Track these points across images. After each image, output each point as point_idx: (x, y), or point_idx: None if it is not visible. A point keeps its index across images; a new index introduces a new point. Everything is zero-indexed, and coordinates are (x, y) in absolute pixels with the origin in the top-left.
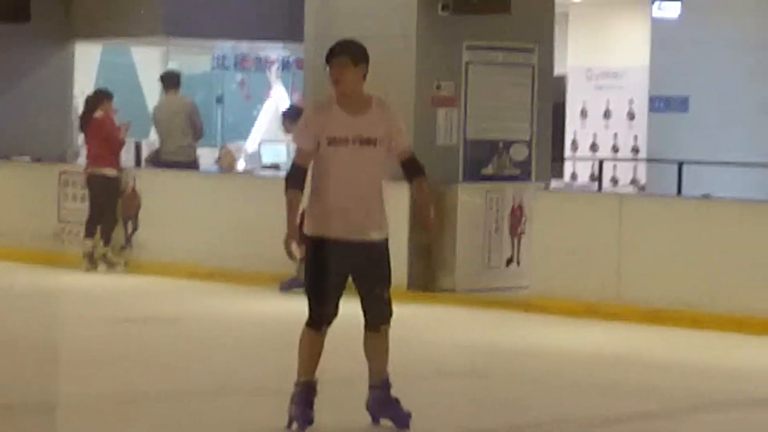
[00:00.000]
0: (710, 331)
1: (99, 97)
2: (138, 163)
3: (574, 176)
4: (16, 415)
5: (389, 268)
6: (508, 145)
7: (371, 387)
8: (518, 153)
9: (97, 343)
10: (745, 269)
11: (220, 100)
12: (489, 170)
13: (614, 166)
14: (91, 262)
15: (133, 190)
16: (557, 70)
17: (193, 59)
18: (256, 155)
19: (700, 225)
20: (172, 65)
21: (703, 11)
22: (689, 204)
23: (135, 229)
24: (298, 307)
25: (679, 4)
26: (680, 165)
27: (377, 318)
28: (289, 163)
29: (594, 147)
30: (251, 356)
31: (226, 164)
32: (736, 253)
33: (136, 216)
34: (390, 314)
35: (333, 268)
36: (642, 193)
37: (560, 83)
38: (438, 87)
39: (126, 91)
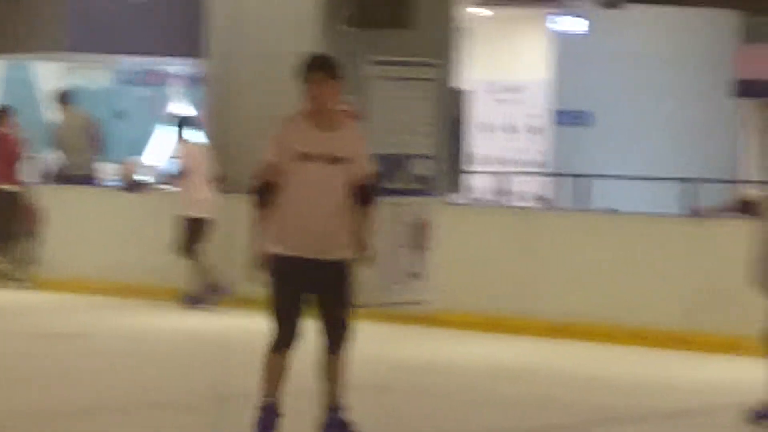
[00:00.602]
0: (613, 344)
1: None
2: (40, 178)
3: (476, 190)
4: None
5: (351, 290)
6: (410, 159)
7: (325, 409)
8: (421, 167)
9: (5, 359)
10: (649, 283)
11: (120, 115)
12: (392, 184)
13: (517, 181)
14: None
15: (32, 205)
16: (459, 85)
17: (95, 74)
18: (155, 169)
19: (604, 239)
20: (73, 80)
21: (605, 27)
22: (593, 218)
23: (36, 245)
24: (200, 321)
25: (580, 19)
26: (585, 179)
27: (335, 340)
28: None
29: (496, 161)
30: (160, 371)
31: (127, 180)
32: (640, 267)
33: (35, 231)
34: (349, 336)
35: (296, 288)
36: (546, 207)
37: (462, 97)
38: (341, 102)
39: (26, 107)
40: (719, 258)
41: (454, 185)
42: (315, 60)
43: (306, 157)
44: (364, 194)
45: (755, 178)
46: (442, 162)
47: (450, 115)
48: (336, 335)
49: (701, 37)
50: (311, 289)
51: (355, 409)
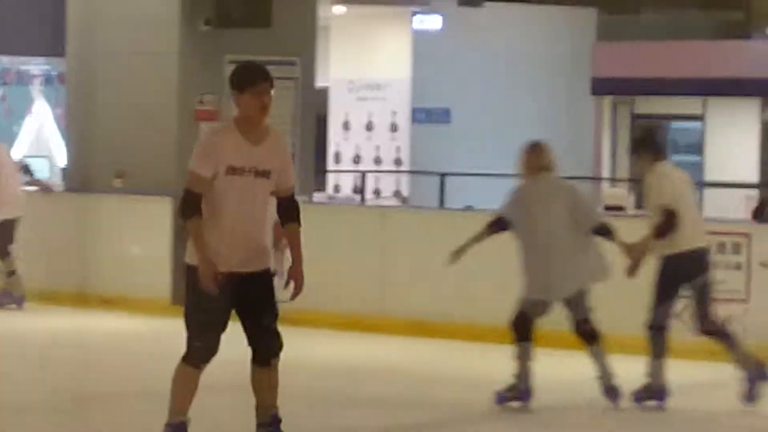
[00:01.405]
0: (472, 341)
1: None
2: None
3: (337, 188)
4: None
5: (273, 297)
6: None
7: (260, 425)
8: None
9: None
10: (508, 281)
11: None
12: None
13: (377, 178)
14: None
15: None
16: (320, 83)
17: None
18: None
19: (462, 236)
20: None
21: (463, 24)
22: (451, 216)
23: None
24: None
25: (439, 17)
26: (442, 177)
27: (268, 351)
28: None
29: (357, 159)
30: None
31: None
32: (497, 264)
33: None
34: (280, 347)
35: (218, 301)
36: (404, 205)
37: (323, 96)
38: (201, 101)
39: None
40: None
41: (314, 183)
42: (262, 70)
43: (235, 170)
44: (290, 209)
45: (613, 175)
46: (303, 160)
47: (311, 113)
48: (267, 346)
49: (559, 34)
50: (235, 303)
51: (215, 410)
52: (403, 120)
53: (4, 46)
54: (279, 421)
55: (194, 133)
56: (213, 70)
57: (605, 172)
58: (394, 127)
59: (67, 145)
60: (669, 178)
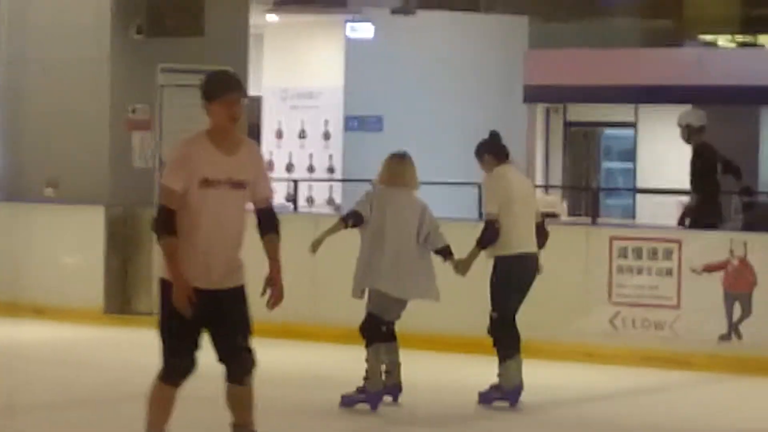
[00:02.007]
0: (405, 349)
1: None
2: None
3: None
4: None
5: (247, 314)
6: None
7: None
8: None
9: None
10: (441, 287)
11: None
12: None
13: (310, 186)
14: None
15: None
16: (253, 92)
17: None
18: None
19: None
20: None
21: (395, 32)
22: None
23: None
24: None
25: (371, 25)
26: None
27: (240, 369)
28: None
29: (290, 167)
30: None
31: None
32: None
33: None
34: (253, 364)
35: (196, 317)
36: (337, 212)
37: (256, 104)
38: (133, 110)
39: None
40: None
41: None
42: (233, 77)
43: (209, 183)
44: (268, 220)
45: (546, 182)
46: None
47: (243, 121)
48: (239, 364)
49: (491, 42)
50: (209, 319)
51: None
52: (336, 128)
53: None
54: None
55: (127, 141)
56: (145, 78)
57: (538, 180)
58: (326, 135)
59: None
60: (506, 181)
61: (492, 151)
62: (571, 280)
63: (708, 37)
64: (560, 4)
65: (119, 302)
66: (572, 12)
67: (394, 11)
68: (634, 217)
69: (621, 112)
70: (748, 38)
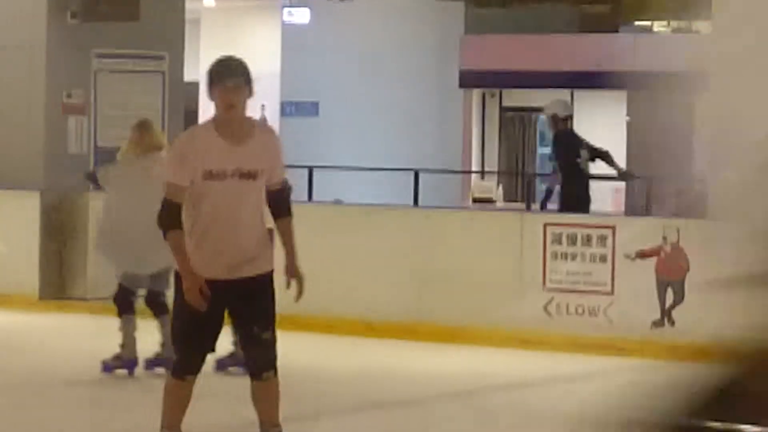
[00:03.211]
0: (340, 335)
1: None
2: None
3: None
4: None
5: (272, 307)
6: None
7: None
8: None
9: None
10: (375, 274)
11: None
12: None
13: None
14: None
15: None
16: (190, 77)
17: None
18: None
19: (330, 230)
20: None
21: (331, 18)
22: (320, 210)
23: None
24: None
25: (307, 10)
26: (311, 170)
27: (258, 363)
28: None
29: None
30: None
31: None
32: (366, 257)
33: None
34: (274, 358)
35: (210, 310)
36: None
37: (193, 90)
38: (69, 95)
39: None
40: (442, 248)
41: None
42: (229, 63)
43: (214, 175)
44: (281, 202)
45: (482, 168)
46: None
47: (180, 108)
48: (256, 357)
49: (427, 27)
50: (224, 310)
51: (84, 403)
52: (273, 113)
53: None
54: None
55: (62, 126)
56: (81, 63)
57: (474, 165)
58: (263, 121)
59: None
60: None
61: None
62: (505, 266)
63: (643, 23)
64: None
65: (54, 288)
66: None
67: None
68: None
69: (557, 97)
70: (683, 24)
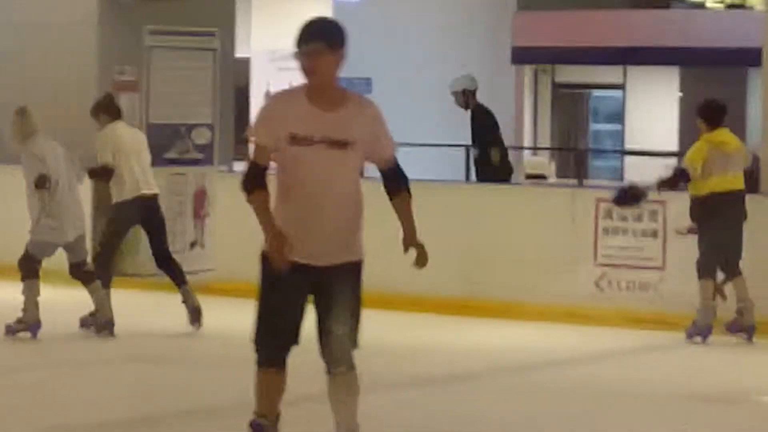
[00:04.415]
0: (392, 311)
1: None
2: None
3: None
4: None
5: (353, 299)
6: (190, 129)
7: None
8: (201, 137)
9: None
10: (429, 249)
11: None
12: (172, 154)
13: None
14: None
15: None
16: (241, 54)
17: None
18: None
19: (383, 206)
20: None
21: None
22: (373, 186)
23: None
24: None
25: None
26: None
27: (331, 358)
28: None
29: None
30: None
31: None
32: (419, 232)
33: None
34: (348, 353)
35: (289, 293)
36: None
37: (244, 66)
38: (120, 72)
39: None
40: (493, 223)
41: (236, 153)
42: (310, 27)
43: (299, 139)
44: (395, 180)
45: (534, 144)
46: (223, 131)
47: (231, 84)
48: (329, 352)
49: (480, 4)
50: (308, 296)
51: (135, 382)
52: None
53: None
54: None
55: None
56: (133, 41)
57: (527, 141)
58: None
59: None
60: (117, 137)
61: (108, 111)
62: (557, 241)
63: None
64: None
65: None
66: None
67: None
68: (622, 178)
69: (609, 73)
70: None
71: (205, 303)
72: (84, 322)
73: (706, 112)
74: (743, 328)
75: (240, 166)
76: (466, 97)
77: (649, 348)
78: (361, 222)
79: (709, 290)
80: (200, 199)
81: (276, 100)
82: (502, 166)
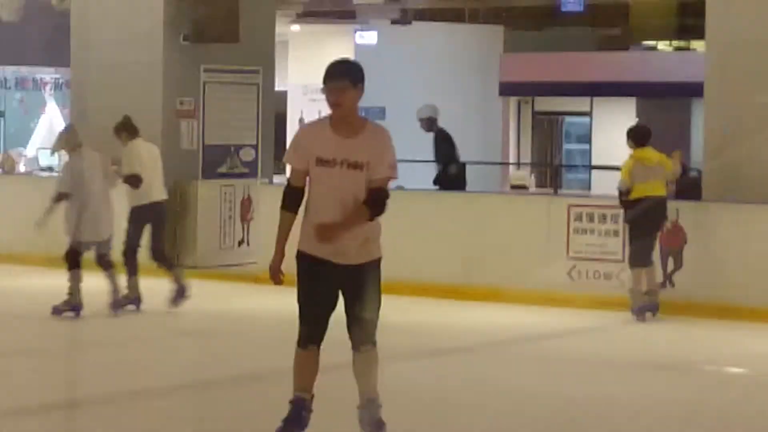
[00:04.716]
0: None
1: None
2: None
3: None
4: None
5: (374, 290)
6: (238, 148)
7: (359, 406)
8: (247, 155)
9: None
10: (432, 245)
11: (1, 114)
12: (223, 169)
13: None
14: None
15: None
16: (279, 87)
17: None
18: (35, 160)
19: (394, 211)
20: None
21: (395, 40)
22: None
23: None
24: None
25: (375, 33)
26: None
27: (357, 338)
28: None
29: None
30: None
31: (7, 167)
32: (424, 232)
33: None
34: (372, 334)
35: (322, 285)
36: None
37: (282, 98)
38: (181, 103)
39: None
40: (484, 225)
41: (274, 168)
42: (336, 66)
43: (324, 162)
44: (371, 196)
45: (518, 160)
46: (265, 150)
47: (271, 111)
48: (354, 333)
49: (474, 47)
50: (338, 290)
51: (185, 353)
52: None
53: (22, 58)
54: (376, 405)
55: (176, 128)
56: (190, 77)
57: (512, 158)
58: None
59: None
60: (138, 151)
61: (128, 130)
62: (536, 239)
63: (649, 43)
64: (529, 16)
65: (170, 257)
66: (539, 22)
67: (394, 22)
68: (589, 189)
69: (579, 103)
70: (682, 43)
71: (253, 290)
72: (117, 303)
73: (634, 134)
74: (652, 307)
75: (278, 179)
76: (430, 123)
77: (612, 325)
78: (375, 227)
79: (638, 277)
80: (246, 205)
81: (304, 132)
82: (458, 179)
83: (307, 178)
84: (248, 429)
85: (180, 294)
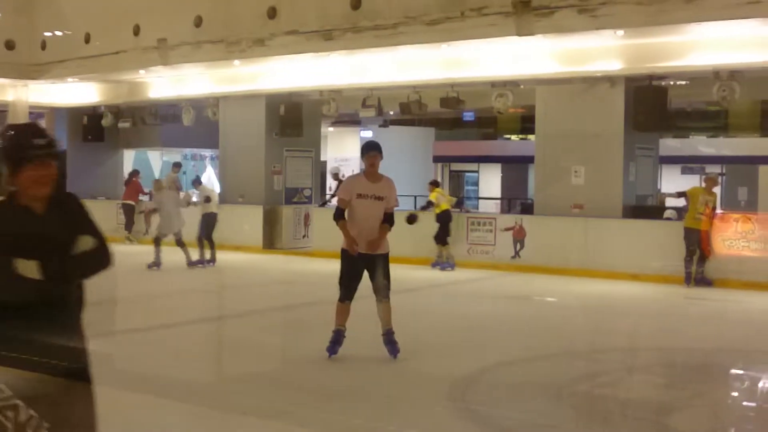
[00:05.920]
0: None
1: (132, 173)
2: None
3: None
4: None
5: (387, 268)
6: (302, 189)
7: (382, 334)
8: (306, 192)
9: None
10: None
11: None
12: (295, 199)
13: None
14: None
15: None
16: (322, 158)
17: (173, 156)
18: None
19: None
20: (165, 160)
21: (382, 134)
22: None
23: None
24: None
25: (371, 131)
26: None
27: (380, 294)
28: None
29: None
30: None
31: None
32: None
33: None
34: (387, 292)
35: (355, 268)
36: None
37: (325, 165)
38: (274, 167)
39: (144, 170)
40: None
41: (321, 200)
42: (370, 145)
43: (361, 196)
44: (388, 218)
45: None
46: (314, 190)
47: (319, 171)
48: (378, 291)
49: (420, 138)
50: (365, 269)
51: (276, 290)
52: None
53: (194, 143)
54: (392, 332)
55: (272, 179)
56: (279, 153)
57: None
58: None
59: (221, 186)
60: (210, 188)
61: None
62: (454, 234)
63: (507, 136)
64: (447, 122)
65: (268, 243)
66: (452, 125)
67: (380, 125)
68: (478, 209)
69: (472, 166)
70: (523, 135)
71: (309, 261)
72: (191, 263)
73: (436, 183)
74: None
75: (326, 205)
76: (336, 175)
77: (487, 278)
78: (386, 232)
79: (443, 249)
80: (307, 218)
81: (349, 180)
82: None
83: (348, 206)
84: (317, 333)
85: (213, 261)
